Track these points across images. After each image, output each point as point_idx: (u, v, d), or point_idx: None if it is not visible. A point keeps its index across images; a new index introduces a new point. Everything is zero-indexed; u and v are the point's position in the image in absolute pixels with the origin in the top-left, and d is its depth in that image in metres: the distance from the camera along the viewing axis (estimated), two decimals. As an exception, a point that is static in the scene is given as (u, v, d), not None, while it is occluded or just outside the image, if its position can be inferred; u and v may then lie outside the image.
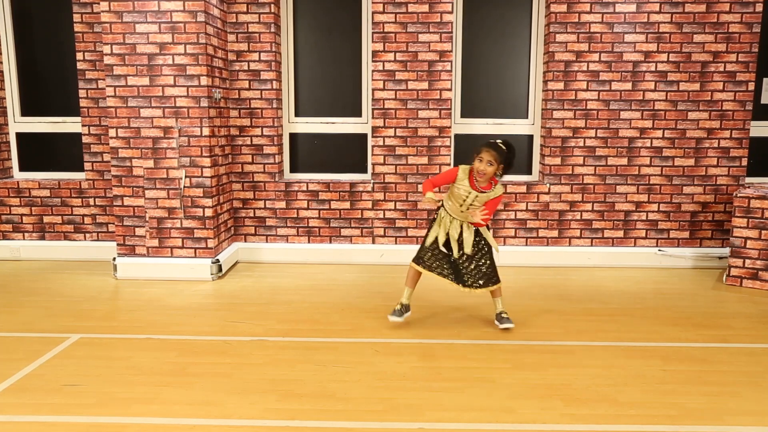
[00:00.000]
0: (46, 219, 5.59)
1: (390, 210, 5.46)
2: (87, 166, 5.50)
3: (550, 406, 2.89)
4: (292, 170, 5.71)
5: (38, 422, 2.74)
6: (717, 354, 3.51)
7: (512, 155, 3.68)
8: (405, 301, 3.88)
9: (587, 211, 5.40)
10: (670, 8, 5.12)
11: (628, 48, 5.18)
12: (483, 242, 3.80)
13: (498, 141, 3.68)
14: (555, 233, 5.44)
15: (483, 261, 3.80)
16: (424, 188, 3.73)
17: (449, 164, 5.39)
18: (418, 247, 3.94)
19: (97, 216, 5.57)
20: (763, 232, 4.71)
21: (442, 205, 3.83)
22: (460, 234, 3.76)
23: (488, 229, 3.87)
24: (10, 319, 4.04)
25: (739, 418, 2.80)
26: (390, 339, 3.70)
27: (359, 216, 5.49)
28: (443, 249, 3.81)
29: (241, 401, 2.93)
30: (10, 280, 4.96)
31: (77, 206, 5.57)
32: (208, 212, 4.97)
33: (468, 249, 3.75)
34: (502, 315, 3.83)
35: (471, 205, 3.69)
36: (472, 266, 3.80)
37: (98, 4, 5.18)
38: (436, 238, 3.80)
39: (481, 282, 3.80)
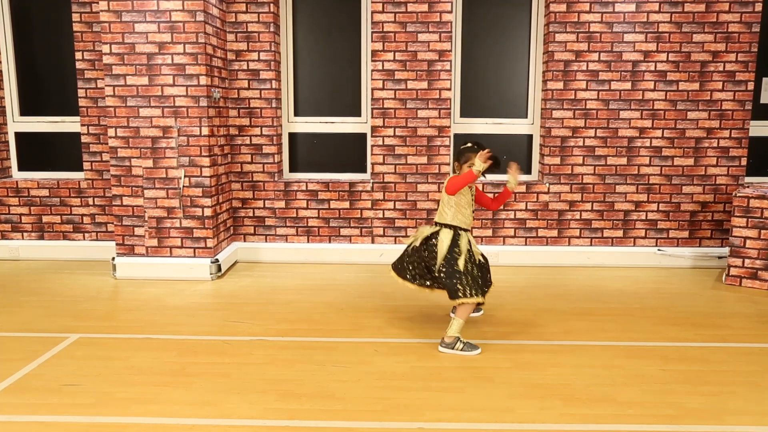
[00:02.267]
0: (45, 219, 5.58)
1: (389, 209, 5.46)
2: (86, 165, 5.50)
3: (549, 406, 2.89)
4: (292, 170, 5.71)
5: (37, 422, 2.74)
6: (716, 354, 3.51)
7: (463, 150, 3.60)
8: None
9: (587, 210, 5.40)
10: (670, 8, 5.12)
11: (627, 47, 5.18)
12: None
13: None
14: (554, 233, 5.44)
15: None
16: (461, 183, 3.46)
17: (448, 164, 5.39)
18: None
19: (96, 216, 5.57)
20: (762, 231, 4.71)
21: (457, 230, 3.57)
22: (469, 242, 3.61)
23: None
24: (9, 319, 4.03)
25: (739, 417, 2.80)
26: (390, 339, 3.70)
27: (359, 216, 5.49)
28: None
29: (241, 401, 2.93)
30: (9, 280, 4.96)
31: (76, 206, 5.56)
32: (208, 212, 4.97)
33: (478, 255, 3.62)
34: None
35: (472, 198, 3.65)
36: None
37: (97, 3, 5.17)
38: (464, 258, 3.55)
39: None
